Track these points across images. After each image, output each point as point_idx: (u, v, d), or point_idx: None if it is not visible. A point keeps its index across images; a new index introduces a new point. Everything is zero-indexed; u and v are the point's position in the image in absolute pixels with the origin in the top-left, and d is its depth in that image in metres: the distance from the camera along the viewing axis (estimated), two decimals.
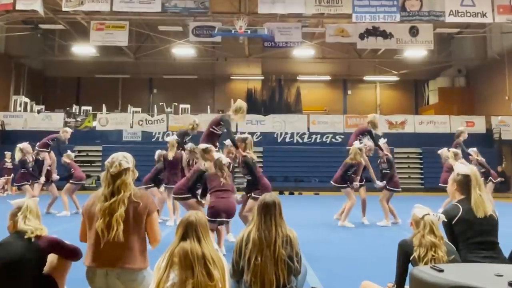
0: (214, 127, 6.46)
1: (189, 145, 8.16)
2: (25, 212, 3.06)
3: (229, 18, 17.87)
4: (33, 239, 2.95)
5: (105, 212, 2.91)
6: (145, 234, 3.05)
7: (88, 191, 14.32)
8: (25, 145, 9.43)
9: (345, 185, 8.37)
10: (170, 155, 8.25)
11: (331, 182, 8.60)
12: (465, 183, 3.39)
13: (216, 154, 5.97)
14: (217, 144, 6.47)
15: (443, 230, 3.12)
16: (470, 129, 17.00)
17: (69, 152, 10.16)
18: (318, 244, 6.35)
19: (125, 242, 2.89)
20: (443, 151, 9.76)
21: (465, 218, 3.26)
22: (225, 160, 5.83)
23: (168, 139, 8.54)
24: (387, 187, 8.36)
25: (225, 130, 6.44)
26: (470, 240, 3.20)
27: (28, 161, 9.39)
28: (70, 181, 9.70)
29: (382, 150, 8.49)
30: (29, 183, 9.33)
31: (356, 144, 8.31)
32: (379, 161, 8.69)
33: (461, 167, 3.53)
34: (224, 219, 5.57)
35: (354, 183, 8.41)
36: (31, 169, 9.39)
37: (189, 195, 5.86)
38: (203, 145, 6.14)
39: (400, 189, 8.41)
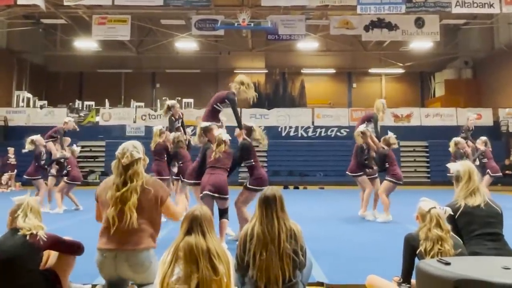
0: (218, 104, 6.25)
1: (172, 135, 8.00)
2: (26, 209, 3.07)
3: (232, 11, 17.82)
4: (28, 236, 2.97)
5: (117, 200, 3.03)
6: (158, 219, 3.22)
7: (91, 186, 14.39)
8: (37, 137, 9.36)
9: (360, 173, 8.33)
10: (152, 144, 8.08)
11: (347, 173, 8.55)
12: (459, 178, 3.45)
13: (217, 131, 5.90)
14: (220, 120, 6.28)
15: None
16: (477, 121, 16.86)
17: (74, 146, 10.09)
18: (324, 239, 6.36)
19: (136, 228, 3.05)
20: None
21: (467, 211, 3.29)
22: (225, 136, 5.74)
23: (154, 128, 8.36)
24: (386, 178, 8.15)
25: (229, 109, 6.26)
26: (474, 233, 3.22)
27: (42, 153, 9.32)
28: (65, 179, 9.53)
29: (378, 140, 8.37)
30: (41, 178, 9.36)
31: (361, 127, 8.32)
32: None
33: (453, 165, 3.63)
34: (210, 193, 5.52)
35: (372, 168, 8.32)
36: (42, 162, 9.31)
37: (199, 181, 5.82)
38: (203, 124, 6.08)
39: (401, 182, 8.14)
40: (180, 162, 8.14)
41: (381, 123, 8.61)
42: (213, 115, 6.25)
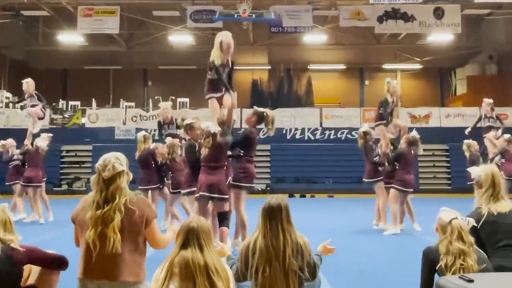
0: (209, 72, 6.23)
1: (168, 140, 8.01)
2: None
3: (232, 1, 17.85)
4: (5, 249, 2.96)
5: (97, 221, 2.90)
6: (143, 245, 3.07)
7: (77, 195, 14.42)
8: (9, 141, 9.74)
9: (378, 178, 8.31)
10: (137, 153, 8.08)
11: (364, 180, 8.52)
12: (481, 184, 3.45)
13: (204, 124, 5.93)
14: (222, 88, 6.18)
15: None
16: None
17: (39, 140, 9.61)
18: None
19: (120, 253, 2.90)
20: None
21: (490, 219, 3.28)
22: (214, 128, 5.73)
23: (138, 135, 8.35)
24: (392, 184, 8.04)
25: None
26: (499, 244, 3.21)
27: (13, 157, 9.55)
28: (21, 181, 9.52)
29: (387, 122, 8.35)
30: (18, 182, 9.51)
31: (364, 127, 8.44)
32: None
33: (474, 169, 3.63)
34: (207, 194, 5.58)
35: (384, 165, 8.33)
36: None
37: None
38: (187, 121, 6.18)
39: (409, 190, 8.00)
40: (171, 173, 8.16)
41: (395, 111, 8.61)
42: (211, 85, 6.20)
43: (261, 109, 6.35)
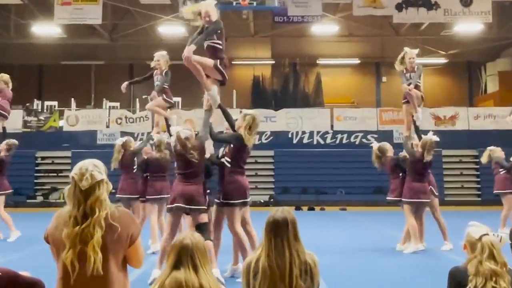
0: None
1: (156, 137, 8.27)
2: None
3: None
4: None
5: (75, 240, 2.86)
6: (125, 267, 3.05)
7: (53, 208, 14.41)
8: None
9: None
10: (113, 163, 8.19)
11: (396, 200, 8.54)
12: None
13: (173, 129, 6.11)
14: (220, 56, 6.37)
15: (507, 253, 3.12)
16: None
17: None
18: (345, 274, 6.34)
19: (103, 275, 2.87)
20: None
21: None
22: (185, 133, 5.88)
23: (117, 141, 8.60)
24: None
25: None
26: None
27: None
28: None
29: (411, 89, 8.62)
30: None
31: (374, 145, 8.74)
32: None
33: None
34: (182, 205, 5.72)
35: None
36: None
37: None
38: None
39: (419, 200, 8.15)
40: (146, 175, 8.25)
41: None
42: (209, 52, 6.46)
43: (250, 111, 6.51)
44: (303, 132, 19.41)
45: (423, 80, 25.75)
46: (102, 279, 2.87)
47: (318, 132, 19.43)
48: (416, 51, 9.14)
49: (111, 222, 2.92)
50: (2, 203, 9.75)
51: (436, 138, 8.29)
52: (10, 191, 10.10)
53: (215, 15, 6.34)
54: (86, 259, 2.83)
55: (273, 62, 24.90)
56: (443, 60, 24.60)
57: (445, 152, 16.95)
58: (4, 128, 10.04)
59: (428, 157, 8.18)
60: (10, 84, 9.94)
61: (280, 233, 2.95)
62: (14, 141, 10.14)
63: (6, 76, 9.74)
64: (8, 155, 9.91)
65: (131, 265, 3.08)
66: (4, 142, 9.97)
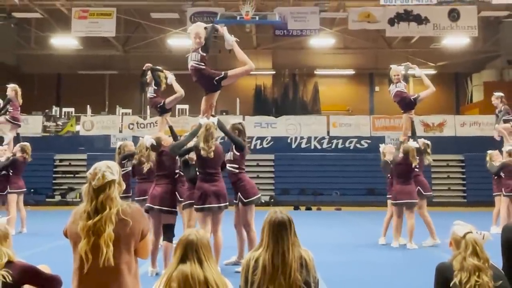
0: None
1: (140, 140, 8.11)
2: None
3: (234, 3, 17.96)
4: (2, 269, 2.97)
5: (89, 232, 2.91)
6: (134, 261, 3.08)
7: (71, 206, 14.44)
8: None
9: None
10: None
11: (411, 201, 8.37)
12: None
13: (141, 140, 6.56)
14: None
15: (489, 250, 3.12)
16: None
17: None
18: (340, 269, 6.33)
19: (114, 266, 2.91)
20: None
21: None
22: (148, 141, 6.16)
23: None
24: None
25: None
26: None
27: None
28: None
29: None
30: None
31: (381, 146, 8.93)
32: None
33: None
34: (156, 206, 5.83)
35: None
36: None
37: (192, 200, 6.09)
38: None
39: (399, 201, 8.12)
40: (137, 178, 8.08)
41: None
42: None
43: (237, 121, 6.86)
44: (302, 138, 19.38)
45: (414, 89, 25.87)
46: (114, 269, 2.91)
47: (315, 138, 19.40)
48: (401, 67, 9.19)
49: (123, 217, 2.98)
50: (15, 201, 9.73)
51: (416, 145, 8.48)
52: (23, 190, 10.01)
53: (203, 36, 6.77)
54: (99, 251, 2.89)
55: (274, 72, 24.92)
56: (432, 71, 24.50)
57: (433, 157, 16.78)
58: (18, 133, 10.45)
59: (414, 162, 8.22)
60: (20, 93, 10.16)
61: (282, 232, 2.99)
62: (26, 144, 10.18)
63: (15, 86, 9.90)
64: (22, 156, 9.88)
65: (139, 256, 3.14)
66: (18, 145, 10.06)
